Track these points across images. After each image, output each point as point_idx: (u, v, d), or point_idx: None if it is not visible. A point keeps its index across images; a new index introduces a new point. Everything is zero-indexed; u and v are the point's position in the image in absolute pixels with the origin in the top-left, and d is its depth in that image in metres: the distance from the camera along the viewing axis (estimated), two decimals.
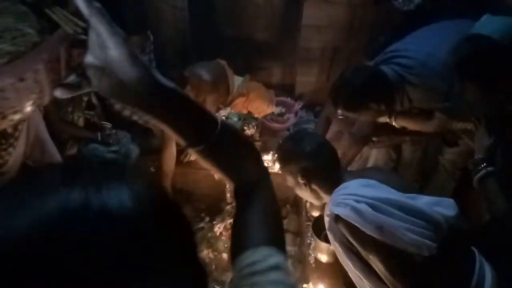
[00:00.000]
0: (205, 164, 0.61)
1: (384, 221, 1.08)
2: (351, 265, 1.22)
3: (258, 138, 2.21)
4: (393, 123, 1.82)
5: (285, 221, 2.35)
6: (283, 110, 2.71)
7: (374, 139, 1.97)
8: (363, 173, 1.39)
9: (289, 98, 2.76)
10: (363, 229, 1.09)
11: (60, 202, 0.29)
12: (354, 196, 1.15)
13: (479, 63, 1.23)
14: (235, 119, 2.11)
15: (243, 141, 0.67)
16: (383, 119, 1.81)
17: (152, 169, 2.30)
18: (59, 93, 0.48)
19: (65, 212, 0.29)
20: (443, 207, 1.15)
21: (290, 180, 1.38)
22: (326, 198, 1.34)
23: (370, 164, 2.03)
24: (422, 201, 1.16)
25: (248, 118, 2.15)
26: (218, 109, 2.31)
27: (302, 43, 2.58)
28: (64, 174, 0.32)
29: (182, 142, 0.58)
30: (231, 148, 0.62)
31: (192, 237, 0.37)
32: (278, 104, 2.69)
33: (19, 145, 1.77)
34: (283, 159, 1.36)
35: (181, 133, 0.56)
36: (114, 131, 2.21)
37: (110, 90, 0.48)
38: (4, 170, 1.79)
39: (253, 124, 2.14)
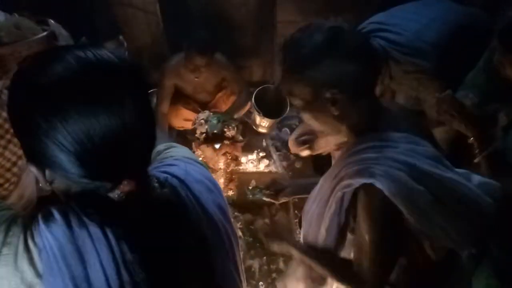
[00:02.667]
0: None
1: (427, 202, 0.86)
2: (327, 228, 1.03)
3: (240, 139, 2.19)
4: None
5: (275, 219, 2.35)
6: None
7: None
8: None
9: None
10: (400, 206, 0.86)
11: (77, 56, 0.52)
12: (396, 163, 0.88)
13: None
14: (214, 121, 2.09)
15: None
16: None
17: None
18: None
19: (83, 59, 0.52)
20: (491, 190, 0.94)
21: (301, 94, 0.93)
22: (349, 136, 0.99)
23: None
24: (474, 182, 0.95)
25: (227, 119, 2.13)
26: (201, 110, 2.35)
27: (278, 39, 2.56)
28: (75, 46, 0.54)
29: None
30: None
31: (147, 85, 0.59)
32: None
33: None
34: (302, 61, 0.89)
35: None
36: None
37: None
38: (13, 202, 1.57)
39: (233, 125, 2.12)
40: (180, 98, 2.44)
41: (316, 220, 1.08)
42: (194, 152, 2.26)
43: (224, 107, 2.47)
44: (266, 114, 2.13)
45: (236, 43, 2.70)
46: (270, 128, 2.21)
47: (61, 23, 2.32)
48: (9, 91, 0.55)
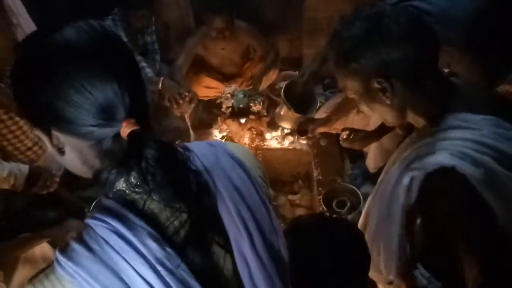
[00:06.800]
0: None
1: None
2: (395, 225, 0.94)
3: (265, 114, 2.18)
4: None
5: (297, 196, 2.36)
6: None
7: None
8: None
9: (297, 72, 2.70)
10: (487, 195, 0.75)
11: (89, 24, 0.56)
12: (481, 147, 0.78)
13: None
14: (241, 95, 2.08)
15: None
16: None
17: None
18: None
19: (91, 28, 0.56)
20: None
21: (353, 88, 0.91)
22: (417, 121, 0.92)
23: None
24: None
25: (253, 94, 2.12)
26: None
27: (307, 13, 2.50)
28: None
29: None
30: None
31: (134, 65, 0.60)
32: (285, 78, 2.64)
33: None
34: (345, 55, 0.87)
35: None
36: None
37: None
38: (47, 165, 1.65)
39: (259, 100, 2.11)
40: (204, 68, 2.45)
41: (383, 221, 0.98)
42: (219, 126, 2.28)
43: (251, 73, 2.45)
44: (296, 109, 1.85)
45: (263, 18, 2.65)
46: (293, 123, 2.01)
47: None
48: (21, 48, 0.56)
